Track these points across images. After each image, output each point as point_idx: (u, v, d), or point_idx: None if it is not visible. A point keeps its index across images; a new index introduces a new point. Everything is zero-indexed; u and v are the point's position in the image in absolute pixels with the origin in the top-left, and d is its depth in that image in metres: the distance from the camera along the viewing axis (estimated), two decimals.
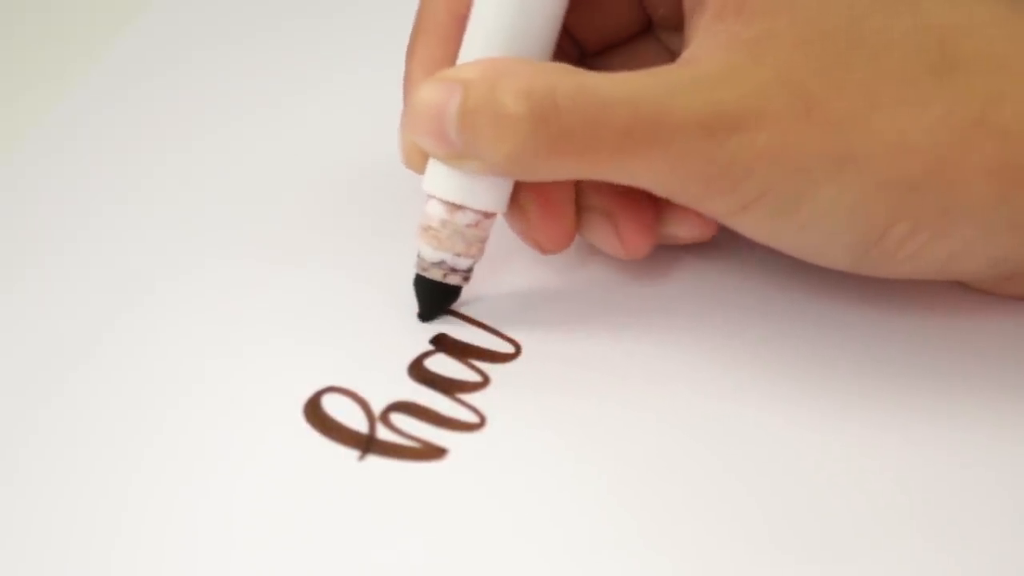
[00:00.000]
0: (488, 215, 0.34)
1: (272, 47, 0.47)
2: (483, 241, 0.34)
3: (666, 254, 0.37)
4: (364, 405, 0.33)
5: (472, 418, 0.33)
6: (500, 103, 0.30)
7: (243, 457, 0.32)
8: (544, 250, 0.35)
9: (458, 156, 0.32)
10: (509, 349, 0.35)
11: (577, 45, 0.36)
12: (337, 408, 0.33)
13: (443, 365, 0.34)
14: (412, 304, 0.36)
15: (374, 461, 0.32)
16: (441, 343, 0.35)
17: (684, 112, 0.30)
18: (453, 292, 0.35)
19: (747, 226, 0.32)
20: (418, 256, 0.34)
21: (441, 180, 0.33)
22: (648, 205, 0.34)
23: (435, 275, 0.34)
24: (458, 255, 0.34)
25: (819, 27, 0.30)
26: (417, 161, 0.34)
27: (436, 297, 0.35)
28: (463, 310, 0.36)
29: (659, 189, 0.32)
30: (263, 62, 0.47)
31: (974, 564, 0.29)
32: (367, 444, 0.32)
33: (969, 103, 0.30)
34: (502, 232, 0.37)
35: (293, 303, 0.36)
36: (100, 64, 0.47)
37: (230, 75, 0.46)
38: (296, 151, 0.42)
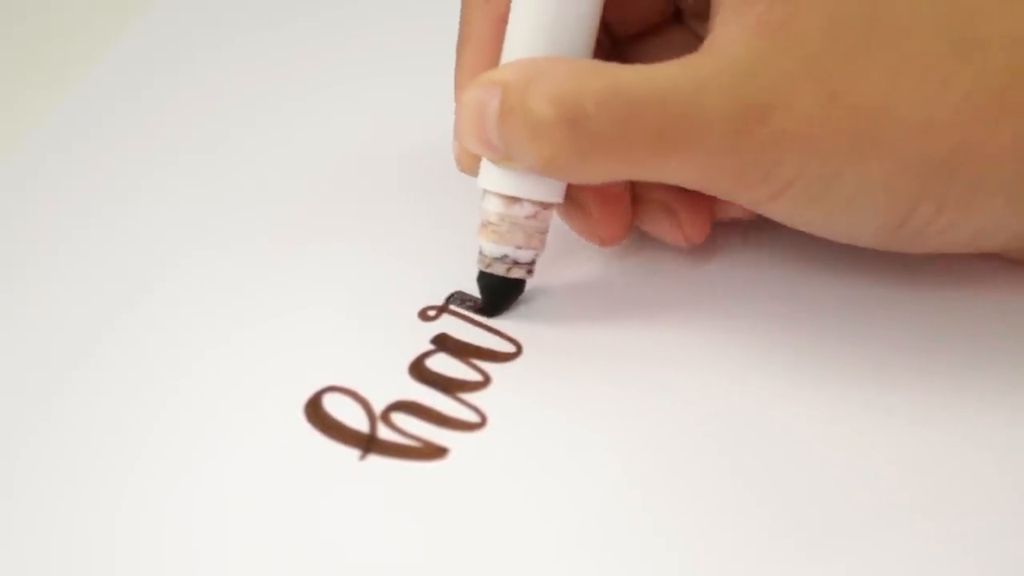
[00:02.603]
0: (546, 206, 0.34)
1: (273, 46, 0.47)
2: (543, 232, 0.34)
3: (667, 255, 0.37)
4: (365, 404, 0.33)
5: (473, 418, 0.33)
6: (531, 109, 0.31)
7: (244, 457, 0.32)
8: (605, 243, 0.36)
9: (504, 159, 0.33)
10: (510, 348, 0.35)
11: (609, 34, 0.37)
12: (338, 407, 0.33)
13: (444, 364, 0.34)
14: (413, 303, 0.36)
15: (375, 460, 0.32)
16: (442, 342, 0.35)
17: (712, 109, 0.30)
18: (517, 286, 0.35)
19: (778, 213, 0.32)
20: (480, 253, 0.35)
21: (495, 175, 0.34)
22: (705, 195, 0.34)
23: (498, 270, 0.35)
24: (519, 248, 0.34)
25: (840, 11, 0.31)
26: (469, 164, 0.35)
27: (500, 292, 0.36)
28: (464, 311, 0.36)
29: (692, 185, 0.32)
30: (264, 62, 0.47)
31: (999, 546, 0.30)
32: (368, 443, 0.32)
33: (991, 81, 0.30)
34: None
35: (293, 303, 0.36)
36: (100, 64, 0.47)
37: (231, 75, 0.46)
38: (296, 151, 0.42)
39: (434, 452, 0.32)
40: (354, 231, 0.39)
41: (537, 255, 0.35)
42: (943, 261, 0.36)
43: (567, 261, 0.37)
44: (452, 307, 0.36)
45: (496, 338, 0.35)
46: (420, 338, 0.35)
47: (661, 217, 0.36)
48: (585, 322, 0.35)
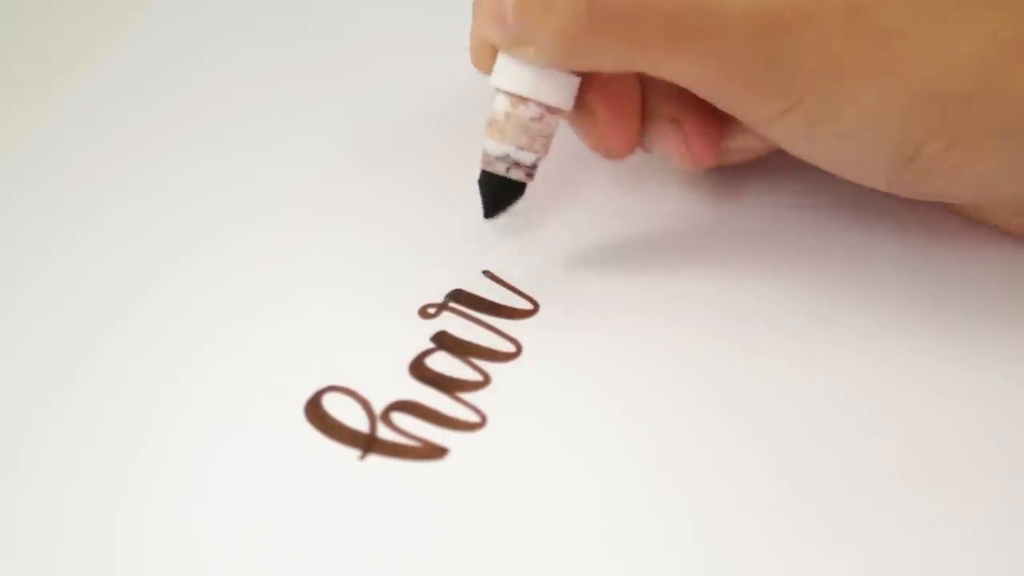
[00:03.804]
0: (552, 110, 0.34)
1: (273, 45, 0.47)
2: (547, 137, 0.35)
3: (666, 257, 0.37)
4: (365, 404, 0.33)
5: (473, 417, 0.33)
6: None
7: (244, 457, 0.32)
8: (610, 154, 0.35)
9: (517, 42, 0.33)
10: (510, 348, 0.35)
11: None
12: (338, 407, 0.33)
13: (444, 364, 0.34)
14: (412, 302, 0.36)
15: (375, 460, 0.32)
16: (442, 341, 0.35)
17: (734, 8, 0.30)
18: (516, 189, 0.35)
19: (786, 135, 0.33)
20: (483, 152, 0.35)
21: (507, 73, 0.34)
22: (715, 115, 0.34)
23: (498, 169, 0.35)
24: (521, 148, 0.34)
25: None
26: (484, 59, 0.34)
27: (499, 193, 0.35)
28: (464, 308, 0.36)
29: (703, 87, 0.32)
30: (264, 60, 0.46)
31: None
32: (368, 443, 0.32)
33: (1017, 23, 0.30)
34: (503, 232, 0.37)
35: (292, 302, 0.36)
36: (100, 64, 0.47)
37: (231, 74, 0.46)
38: (294, 151, 0.42)
39: (434, 452, 0.32)
40: (353, 229, 0.39)
41: (539, 159, 0.35)
42: (957, 226, 0.36)
43: (566, 263, 0.37)
44: (452, 304, 0.36)
45: (496, 337, 0.35)
46: (420, 336, 0.35)
47: (667, 131, 0.35)
48: (584, 322, 0.35)
